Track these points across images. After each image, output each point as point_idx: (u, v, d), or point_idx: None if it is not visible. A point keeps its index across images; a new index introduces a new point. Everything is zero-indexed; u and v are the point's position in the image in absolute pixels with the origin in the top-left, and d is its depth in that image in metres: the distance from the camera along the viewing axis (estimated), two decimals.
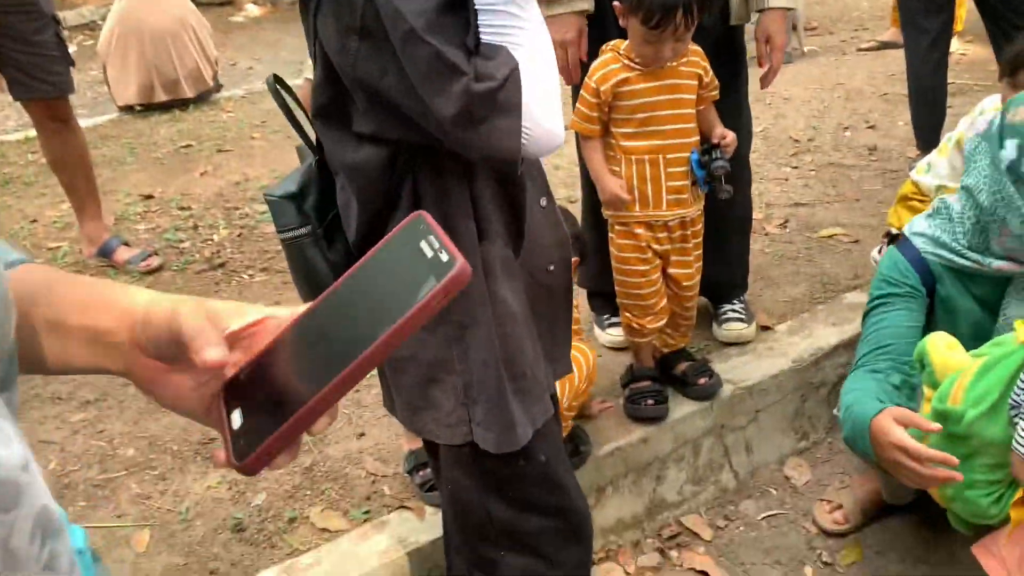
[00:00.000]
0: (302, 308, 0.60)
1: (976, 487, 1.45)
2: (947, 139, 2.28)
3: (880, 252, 2.53)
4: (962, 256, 1.67)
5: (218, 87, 5.36)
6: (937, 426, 1.40)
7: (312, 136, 1.23)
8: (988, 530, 1.50)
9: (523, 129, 1.03)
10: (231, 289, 2.93)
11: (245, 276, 3.02)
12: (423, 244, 0.55)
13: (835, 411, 1.91)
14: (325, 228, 1.22)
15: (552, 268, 1.25)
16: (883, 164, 3.50)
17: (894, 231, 2.44)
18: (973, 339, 1.63)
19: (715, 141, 1.90)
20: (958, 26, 3.58)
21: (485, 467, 1.23)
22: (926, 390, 1.53)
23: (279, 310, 0.62)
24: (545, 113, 1.05)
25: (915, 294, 1.74)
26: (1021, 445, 1.32)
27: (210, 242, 3.29)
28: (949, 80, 3.36)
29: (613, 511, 2.01)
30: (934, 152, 2.30)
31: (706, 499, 2.15)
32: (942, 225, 1.71)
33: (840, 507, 1.99)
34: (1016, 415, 1.34)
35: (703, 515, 2.11)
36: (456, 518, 1.34)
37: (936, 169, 2.26)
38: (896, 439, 1.41)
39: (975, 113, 2.19)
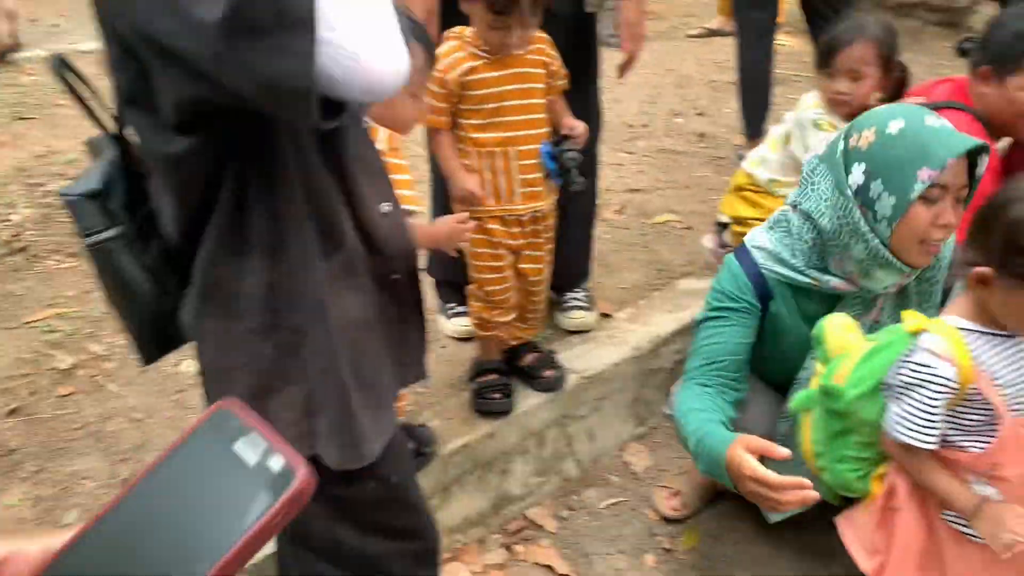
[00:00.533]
0: (65, 537, 0.44)
1: (846, 461, 1.51)
2: (776, 134, 2.37)
3: (711, 240, 2.63)
4: (802, 274, 1.67)
5: (17, 46, 4.82)
6: (785, 452, 1.41)
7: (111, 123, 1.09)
8: (852, 503, 1.59)
9: (342, 54, 0.83)
10: (34, 277, 2.65)
11: (50, 262, 2.73)
12: (241, 447, 0.42)
13: (665, 409, 1.95)
14: (137, 229, 1.08)
15: (397, 278, 1.18)
16: (712, 151, 3.63)
17: (725, 219, 2.53)
18: (797, 355, 1.71)
19: (564, 132, 1.88)
20: (780, 18, 3.76)
21: (332, 491, 1.15)
22: (818, 366, 1.58)
23: (24, 545, 0.45)
24: (367, 35, 0.86)
25: (751, 310, 1.73)
26: (890, 423, 1.39)
27: (8, 223, 2.95)
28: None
29: (459, 510, 1.97)
30: (766, 146, 2.38)
31: (550, 490, 2.16)
32: (782, 239, 1.69)
33: (678, 493, 2.05)
34: (888, 395, 1.40)
35: (547, 507, 2.12)
36: (295, 542, 1.25)
37: (769, 164, 2.34)
38: (750, 471, 1.40)
39: (799, 108, 2.28)
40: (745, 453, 1.43)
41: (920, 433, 1.34)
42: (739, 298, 1.73)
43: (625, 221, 3.06)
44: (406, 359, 1.25)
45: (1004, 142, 2.19)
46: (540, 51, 1.85)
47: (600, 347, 2.31)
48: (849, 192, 1.52)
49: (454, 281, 2.17)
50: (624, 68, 2.17)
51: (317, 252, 1.05)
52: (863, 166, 1.49)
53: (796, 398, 1.59)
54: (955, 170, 1.45)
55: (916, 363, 1.33)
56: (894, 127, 1.48)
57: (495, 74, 1.80)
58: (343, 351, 1.08)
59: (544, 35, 1.86)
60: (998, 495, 1.37)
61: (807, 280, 1.66)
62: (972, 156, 1.50)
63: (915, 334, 1.38)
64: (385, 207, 1.14)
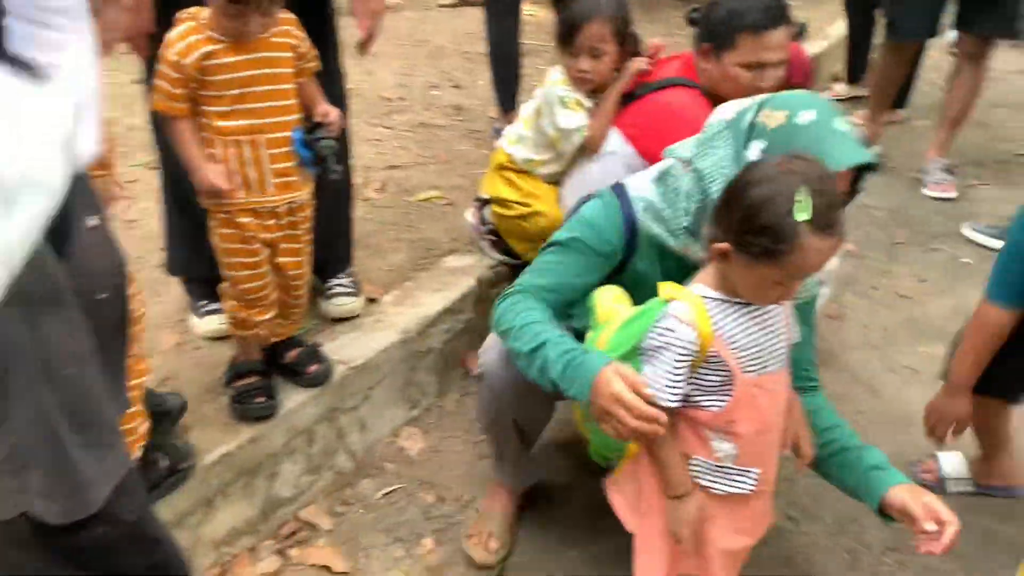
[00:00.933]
0: None
1: None
2: (527, 110, 2.40)
3: (473, 216, 2.64)
4: (675, 237, 1.61)
5: None
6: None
7: None
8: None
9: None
10: None
11: None
12: None
13: (475, 370, 1.87)
14: None
15: (104, 296, 1.06)
16: (468, 124, 3.66)
17: (485, 197, 2.55)
18: None
19: (318, 119, 1.79)
20: None
21: (55, 542, 1.02)
22: (589, 334, 1.61)
23: None
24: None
25: (610, 256, 1.65)
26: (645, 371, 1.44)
27: None
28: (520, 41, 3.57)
29: (225, 521, 1.86)
30: (520, 123, 2.41)
31: (324, 487, 2.09)
32: (666, 195, 1.62)
33: (491, 534, 1.96)
34: (642, 358, 1.46)
35: (321, 505, 2.05)
36: None
37: (525, 142, 2.38)
38: (619, 392, 1.39)
39: (546, 83, 2.32)
40: (619, 375, 1.41)
41: (665, 392, 1.42)
42: (607, 241, 1.64)
43: (387, 200, 3.01)
44: (114, 390, 1.13)
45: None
46: (286, 33, 1.74)
47: (366, 334, 2.26)
48: (742, 165, 1.48)
49: (201, 277, 2.02)
50: (364, 46, 2.11)
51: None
52: (763, 144, 1.47)
53: None
54: (841, 182, 1.45)
55: (663, 328, 1.41)
56: (804, 118, 1.45)
57: (237, 59, 1.66)
58: (55, 391, 0.95)
59: (290, 15, 1.75)
60: (735, 449, 1.49)
61: (678, 246, 1.61)
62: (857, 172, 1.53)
63: (667, 302, 1.46)
64: (93, 220, 1.02)
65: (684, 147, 1.61)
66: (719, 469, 1.50)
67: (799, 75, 2.48)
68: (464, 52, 4.48)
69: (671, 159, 1.63)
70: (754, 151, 1.47)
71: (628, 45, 2.29)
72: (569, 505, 2.09)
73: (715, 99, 2.18)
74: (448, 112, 3.78)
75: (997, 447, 2.15)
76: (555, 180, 2.37)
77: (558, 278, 1.64)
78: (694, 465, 1.51)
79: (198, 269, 1.97)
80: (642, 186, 1.65)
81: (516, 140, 2.39)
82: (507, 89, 3.44)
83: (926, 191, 3.67)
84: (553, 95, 2.30)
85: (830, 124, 1.45)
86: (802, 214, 1.28)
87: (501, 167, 2.41)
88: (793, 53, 2.43)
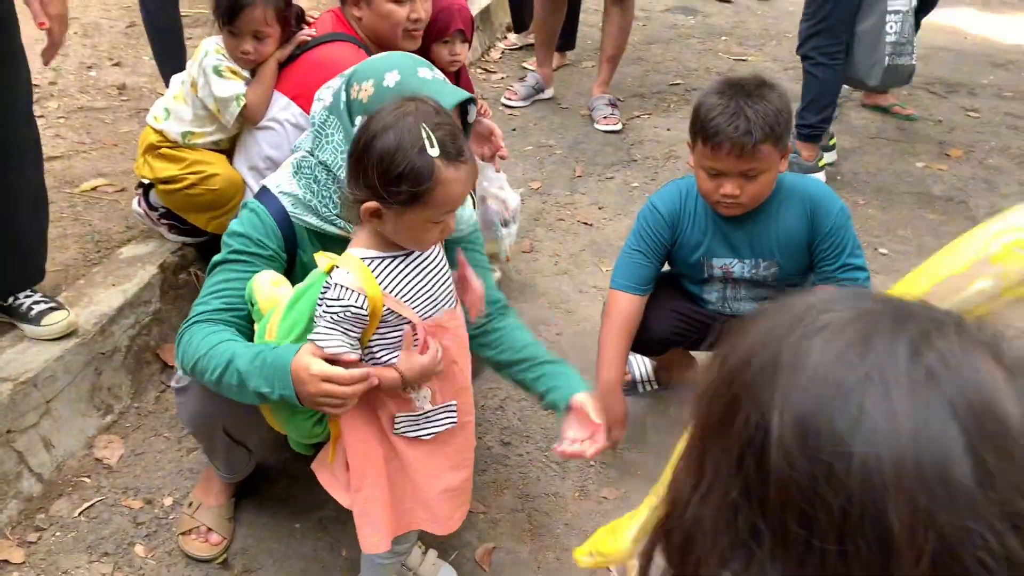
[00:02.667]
0: None
1: (300, 413, 1.52)
2: (181, 82, 2.27)
3: (139, 204, 2.47)
4: (332, 224, 1.61)
5: None
6: (353, 357, 1.40)
7: None
8: (321, 448, 1.62)
9: None
10: None
11: None
12: None
13: (173, 384, 1.75)
14: None
15: None
16: (135, 104, 3.39)
17: (147, 181, 2.39)
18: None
19: None
20: None
21: None
22: (256, 327, 1.54)
23: None
24: None
25: (276, 258, 1.62)
26: (318, 340, 1.41)
27: None
28: (184, 12, 3.36)
29: None
30: (169, 97, 2.28)
31: (9, 518, 1.88)
32: (310, 187, 1.61)
33: (210, 529, 1.88)
34: (317, 333, 1.42)
35: (10, 537, 1.85)
36: None
37: (178, 115, 2.24)
38: (319, 371, 1.36)
39: (199, 55, 2.21)
40: (313, 357, 1.38)
41: (354, 353, 1.42)
42: (265, 245, 1.60)
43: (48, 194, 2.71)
44: None
45: None
46: None
47: (35, 344, 2.05)
48: None
49: None
50: (48, 53, 1.89)
51: None
52: (363, 117, 1.47)
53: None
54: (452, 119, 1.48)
55: (331, 299, 1.40)
56: (390, 79, 1.50)
57: None
58: None
59: None
60: (429, 393, 1.53)
61: (338, 230, 1.61)
62: (463, 106, 1.59)
63: (329, 272, 1.44)
64: None
65: (306, 140, 1.64)
66: (422, 415, 1.54)
67: (461, 22, 2.56)
68: (125, 27, 4.12)
69: (301, 151, 1.64)
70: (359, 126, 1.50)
71: (291, 23, 2.24)
72: (285, 481, 2.06)
73: (373, 47, 2.20)
74: (110, 93, 3.47)
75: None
76: (219, 148, 2.28)
77: (230, 296, 1.59)
78: (399, 422, 1.53)
79: None
80: (285, 183, 1.64)
81: (165, 116, 2.26)
82: (171, 62, 3.22)
83: (597, 126, 3.98)
84: (208, 64, 2.19)
85: (415, 76, 1.53)
86: (432, 150, 1.33)
87: (153, 147, 2.27)
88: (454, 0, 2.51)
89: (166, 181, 2.26)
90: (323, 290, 1.41)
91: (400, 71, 1.53)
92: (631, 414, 2.14)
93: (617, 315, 2.09)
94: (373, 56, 1.63)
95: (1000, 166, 3.82)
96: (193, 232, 2.40)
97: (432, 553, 1.88)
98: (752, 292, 2.11)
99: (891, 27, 3.26)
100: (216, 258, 1.63)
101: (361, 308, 1.39)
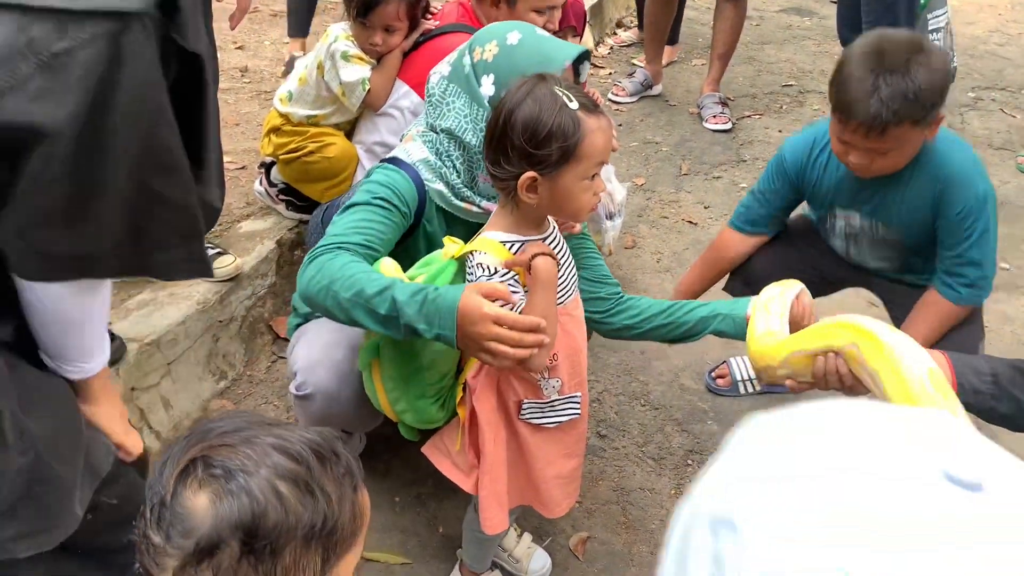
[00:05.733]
0: None
1: (425, 397, 1.55)
2: (305, 65, 2.35)
3: (261, 183, 2.57)
4: (457, 195, 1.61)
5: None
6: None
7: None
8: (431, 433, 1.64)
9: None
10: None
11: None
12: None
13: (293, 389, 1.71)
14: None
15: None
16: (256, 86, 3.52)
17: (268, 160, 2.48)
18: None
19: None
20: None
21: None
22: None
23: None
24: None
25: (407, 218, 1.59)
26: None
27: None
28: None
29: None
30: (293, 79, 2.35)
31: None
32: (437, 154, 1.61)
33: None
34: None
35: None
36: None
37: (303, 97, 2.32)
38: (494, 312, 1.32)
39: (327, 39, 2.28)
40: (482, 298, 1.34)
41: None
42: (404, 200, 1.57)
43: None
44: None
45: None
46: None
47: (160, 308, 2.16)
48: (486, 103, 1.53)
49: None
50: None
51: None
52: (491, 77, 1.53)
53: (361, 355, 1.58)
54: (567, 74, 1.54)
55: (481, 278, 1.41)
56: (513, 38, 1.54)
57: None
58: None
59: None
60: (559, 383, 1.53)
61: (462, 204, 1.61)
62: (576, 65, 1.62)
63: (459, 259, 1.45)
64: None
65: (420, 119, 1.66)
66: (548, 404, 1.54)
67: (573, 17, 2.58)
68: (251, 12, 4.28)
69: (419, 127, 1.66)
70: (487, 86, 1.54)
71: (418, 17, 2.29)
72: (387, 455, 2.11)
73: None
74: (233, 75, 3.61)
75: None
76: (340, 128, 2.35)
77: (366, 235, 1.52)
78: (527, 408, 1.54)
79: None
80: (416, 151, 1.63)
81: (289, 99, 2.33)
82: (301, 17, 3.37)
83: (705, 124, 3.92)
84: (337, 49, 2.26)
85: (536, 34, 1.57)
86: (572, 103, 1.35)
87: (277, 129, 2.35)
88: None
89: (286, 153, 2.34)
90: (468, 273, 1.43)
91: (520, 30, 1.56)
92: (734, 413, 2.11)
93: (713, 246, 2.18)
94: (493, 23, 1.65)
95: None
96: (310, 209, 2.48)
97: (527, 537, 1.90)
98: (875, 251, 2.05)
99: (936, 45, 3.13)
100: (355, 199, 1.58)
101: (515, 280, 1.41)
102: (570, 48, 1.57)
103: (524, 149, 1.34)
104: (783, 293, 1.61)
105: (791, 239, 2.17)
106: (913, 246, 1.98)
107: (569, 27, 2.57)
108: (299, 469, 0.82)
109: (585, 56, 1.62)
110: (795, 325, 1.57)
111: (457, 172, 1.61)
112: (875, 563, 0.37)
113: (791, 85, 4.42)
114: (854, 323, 1.32)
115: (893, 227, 1.96)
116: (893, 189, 1.90)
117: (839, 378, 1.37)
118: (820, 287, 2.11)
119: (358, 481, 0.88)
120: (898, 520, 0.38)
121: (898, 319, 2.04)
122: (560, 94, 1.35)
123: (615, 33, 4.96)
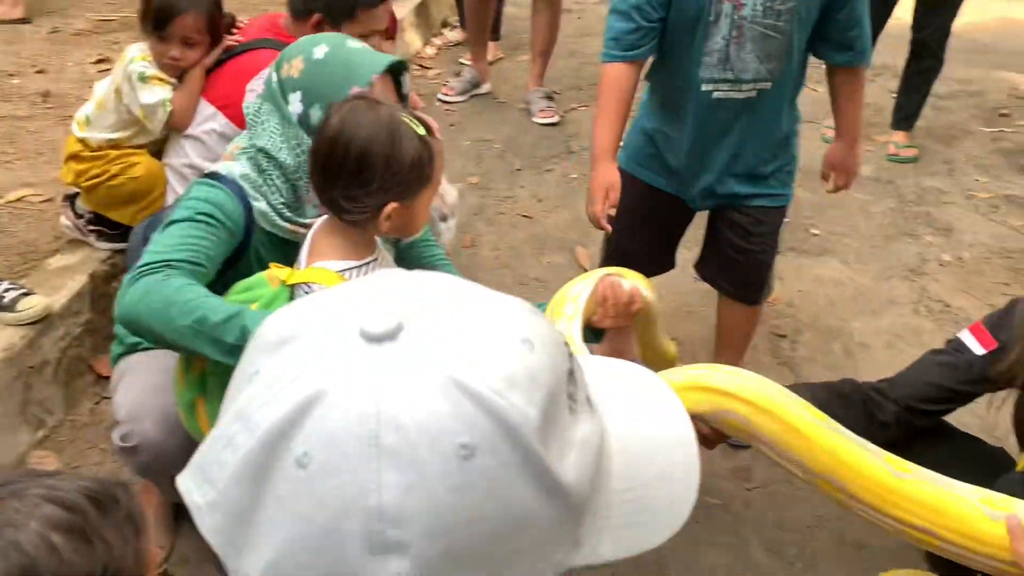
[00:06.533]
0: None
1: None
2: (102, 91, 2.23)
3: (67, 216, 2.42)
4: (282, 216, 1.55)
5: None
6: None
7: None
8: None
9: None
10: None
11: None
12: None
13: (117, 439, 1.60)
14: None
15: None
16: (61, 111, 3.30)
17: (72, 191, 2.34)
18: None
19: None
20: None
21: None
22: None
23: None
24: None
25: (235, 238, 1.51)
26: None
27: None
28: (109, 16, 3.29)
29: None
30: (91, 105, 2.23)
31: None
32: (263, 177, 1.55)
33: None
34: None
35: None
36: None
37: (101, 123, 2.20)
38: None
39: (124, 61, 2.17)
40: None
41: None
42: (231, 218, 1.49)
43: None
44: None
45: None
46: None
47: None
48: (295, 120, 1.49)
49: None
50: None
51: None
52: (299, 94, 1.49)
53: (180, 392, 1.51)
54: (381, 87, 1.51)
55: None
56: (320, 52, 1.50)
57: None
58: None
59: None
60: None
61: (287, 225, 1.55)
62: (396, 76, 1.60)
63: (289, 286, 1.40)
64: None
65: (243, 136, 1.62)
66: None
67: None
68: (44, 35, 4.01)
69: (239, 144, 1.61)
70: (295, 103, 1.50)
71: (220, 30, 2.20)
72: None
73: None
74: (34, 101, 3.38)
75: None
76: (146, 148, 2.25)
77: (192, 252, 1.41)
78: None
79: None
80: (237, 168, 1.55)
81: (87, 123, 2.21)
82: None
83: (534, 119, 3.99)
84: (134, 71, 2.15)
85: (344, 46, 1.54)
86: (420, 129, 1.37)
87: (77, 156, 2.22)
88: None
89: (88, 179, 2.21)
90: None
91: (328, 43, 1.53)
92: None
93: (607, 88, 1.97)
94: (302, 38, 1.60)
95: (926, 146, 3.93)
96: (124, 238, 2.36)
97: None
98: (758, 46, 1.89)
99: None
100: (175, 215, 1.47)
101: None
102: (379, 59, 1.54)
103: (385, 184, 1.35)
104: (576, 295, 1.58)
105: (653, 216, 2.19)
106: (801, 27, 1.91)
107: (383, 30, 2.55)
108: (74, 518, 0.78)
109: (402, 67, 1.61)
110: (603, 308, 1.57)
111: (279, 191, 1.55)
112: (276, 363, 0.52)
113: None
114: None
115: None
116: None
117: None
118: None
119: (142, 526, 0.84)
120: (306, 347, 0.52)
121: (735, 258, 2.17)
122: (407, 120, 1.36)
123: (441, 33, 4.97)
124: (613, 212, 2.00)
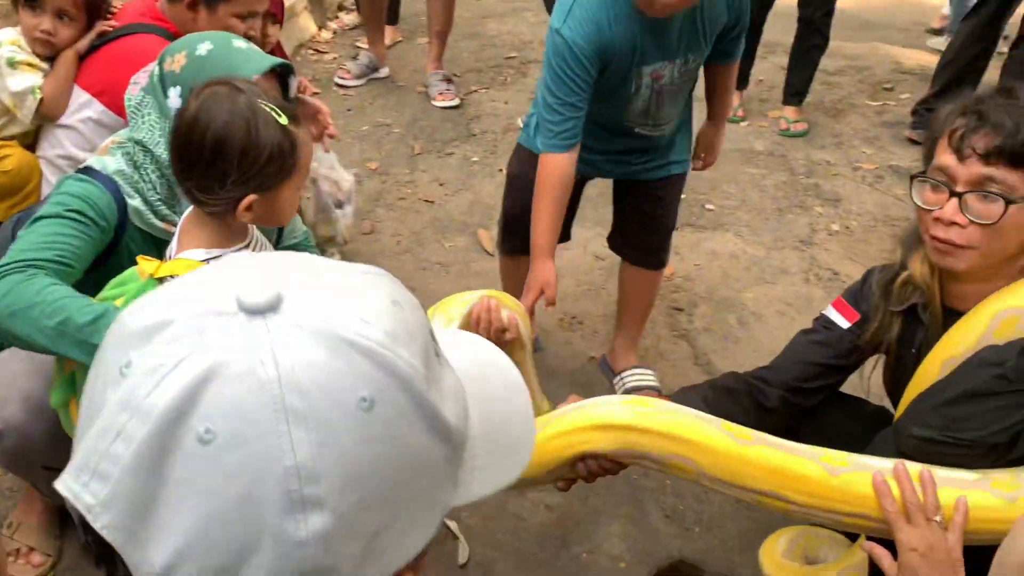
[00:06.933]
0: None
1: None
2: None
3: None
4: (156, 213, 1.53)
5: None
6: None
7: None
8: None
9: None
10: None
11: None
12: None
13: None
14: None
15: None
16: None
17: None
18: None
19: None
20: None
21: None
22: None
23: None
24: None
25: (107, 235, 1.48)
26: None
27: None
28: None
29: None
30: None
31: None
32: (132, 167, 1.52)
33: (32, 549, 1.77)
34: None
35: None
36: None
37: None
38: None
39: None
40: None
41: None
42: (103, 215, 1.47)
43: None
44: None
45: None
46: None
47: None
48: (172, 115, 1.45)
49: None
50: None
51: None
52: (178, 89, 1.47)
53: (54, 393, 1.46)
54: (264, 87, 1.46)
55: None
56: (203, 49, 1.49)
57: None
58: None
59: None
60: None
61: (160, 224, 1.53)
62: (284, 80, 1.59)
63: (158, 279, 1.35)
64: None
65: (116, 135, 1.60)
66: None
67: (273, 5, 2.49)
68: None
69: (117, 138, 1.58)
70: (173, 98, 1.49)
71: (97, 13, 2.11)
72: None
73: None
74: None
75: None
76: (18, 140, 2.14)
77: (59, 251, 1.39)
78: None
79: None
80: (111, 162, 1.53)
81: None
82: None
83: (434, 102, 3.97)
84: (1, 58, 2.04)
85: (229, 45, 1.53)
86: (282, 119, 1.33)
87: None
88: None
89: None
90: None
91: (212, 41, 1.52)
92: None
93: (547, 178, 1.97)
94: (189, 34, 1.59)
95: (816, 120, 4.06)
96: None
97: None
98: (675, 99, 2.07)
99: None
100: (44, 211, 1.44)
101: None
102: (261, 60, 1.53)
103: (243, 175, 1.32)
104: (449, 310, 1.69)
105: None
106: (702, 65, 2.11)
107: (270, 15, 2.48)
108: None
109: (289, 69, 1.60)
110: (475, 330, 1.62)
111: (154, 187, 1.53)
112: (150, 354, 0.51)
113: (514, 57, 4.57)
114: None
115: (700, 51, 2.00)
116: (689, 14, 1.90)
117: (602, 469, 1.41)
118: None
119: None
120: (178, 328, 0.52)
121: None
122: (267, 108, 1.32)
123: (337, 17, 4.88)
124: (548, 309, 2.07)
